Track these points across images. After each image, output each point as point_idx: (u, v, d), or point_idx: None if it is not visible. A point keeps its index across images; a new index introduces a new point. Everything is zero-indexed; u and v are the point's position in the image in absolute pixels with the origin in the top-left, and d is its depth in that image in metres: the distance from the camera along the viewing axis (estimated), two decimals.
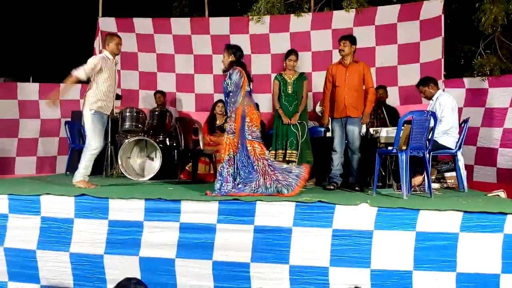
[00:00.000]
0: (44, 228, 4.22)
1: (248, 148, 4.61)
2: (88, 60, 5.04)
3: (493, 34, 7.11)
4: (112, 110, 5.33)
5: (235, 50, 4.85)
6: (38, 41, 9.07)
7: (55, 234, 4.20)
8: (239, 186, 4.57)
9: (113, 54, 5.21)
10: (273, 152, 5.50)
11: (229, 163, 4.65)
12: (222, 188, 4.56)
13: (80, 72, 4.97)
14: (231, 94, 4.71)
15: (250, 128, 4.66)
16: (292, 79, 5.62)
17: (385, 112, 6.64)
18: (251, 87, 4.85)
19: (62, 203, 4.26)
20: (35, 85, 7.87)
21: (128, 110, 6.43)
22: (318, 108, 7.04)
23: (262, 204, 4.05)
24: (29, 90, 7.83)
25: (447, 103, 5.28)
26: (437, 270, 3.71)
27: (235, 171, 4.64)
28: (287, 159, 5.46)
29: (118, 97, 5.66)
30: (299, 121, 5.48)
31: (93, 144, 4.98)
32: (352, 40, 5.47)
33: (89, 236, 4.16)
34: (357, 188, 5.23)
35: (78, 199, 4.25)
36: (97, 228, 4.15)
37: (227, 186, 4.57)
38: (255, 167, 4.59)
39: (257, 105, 6.92)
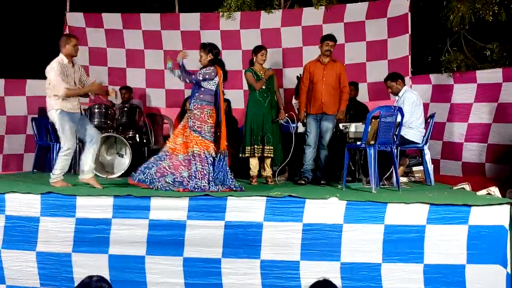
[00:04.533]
0: (9, 227, 4.13)
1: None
2: (50, 76, 4.81)
3: (460, 32, 7.28)
4: (78, 108, 5.15)
5: (211, 47, 4.89)
6: (3, 35, 8.81)
7: (21, 233, 4.12)
8: (211, 183, 4.61)
9: (69, 56, 4.93)
10: (248, 148, 5.48)
11: (196, 159, 4.65)
12: (195, 184, 4.57)
13: (60, 90, 4.76)
14: (195, 72, 4.76)
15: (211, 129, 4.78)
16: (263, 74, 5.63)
17: (354, 109, 6.71)
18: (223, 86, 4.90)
19: (27, 201, 4.17)
20: (0, 81, 7.65)
21: (96, 106, 6.32)
22: (294, 101, 7.07)
23: (232, 199, 4.05)
24: None
25: (409, 99, 5.38)
26: (405, 262, 3.79)
27: (205, 168, 4.65)
28: (265, 155, 5.48)
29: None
30: (276, 120, 5.55)
31: (66, 145, 4.87)
32: (336, 41, 5.60)
33: (56, 234, 4.09)
34: (323, 182, 5.31)
35: (44, 197, 4.17)
36: (64, 226, 4.08)
37: (201, 181, 4.58)
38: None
39: (228, 101, 6.94)
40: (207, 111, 4.76)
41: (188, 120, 4.80)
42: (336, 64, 5.59)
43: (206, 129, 4.73)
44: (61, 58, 4.91)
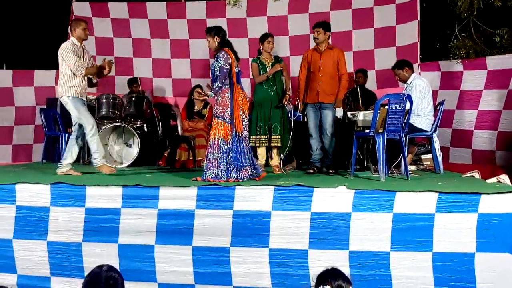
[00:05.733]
0: (20, 217, 4.17)
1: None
2: (67, 60, 4.97)
3: (468, 18, 7.18)
4: (85, 96, 5.26)
5: (216, 30, 4.80)
6: (11, 26, 8.81)
7: (31, 223, 4.15)
8: (226, 171, 4.55)
9: (80, 39, 5.13)
10: (254, 137, 5.46)
11: (214, 147, 4.60)
12: (208, 173, 4.53)
13: (79, 70, 4.96)
14: (218, 77, 4.65)
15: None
16: (270, 63, 5.60)
17: (363, 96, 6.67)
18: (239, 67, 4.81)
19: (37, 191, 4.20)
20: (9, 72, 7.68)
21: (104, 96, 6.32)
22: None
23: (241, 188, 4.06)
24: (2, 77, 7.63)
25: (418, 87, 5.33)
26: (414, 250, 3.78)
27: (222, 155, 4.58)
28: (272, 144, 5.46)
29: (93, 84, 5.56)
30: (281, 105, 5.51)
31: (88, 124, 4.98)
32: (325, 26, 5.46)
33: (66, 224, 4.12)
34: (331, 171, 5.29)
35: (54, 187, 4.20)
36: (74, 216, 4.11)
37: (213, 171, 4.53)
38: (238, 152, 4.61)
39: None
40: (228, 94, 4.68)
41: (214, 109, 4.76)
42: (333, 51, 5.46)
43: (228, 112, 4.64)
44: (73, 41, 5.09)
